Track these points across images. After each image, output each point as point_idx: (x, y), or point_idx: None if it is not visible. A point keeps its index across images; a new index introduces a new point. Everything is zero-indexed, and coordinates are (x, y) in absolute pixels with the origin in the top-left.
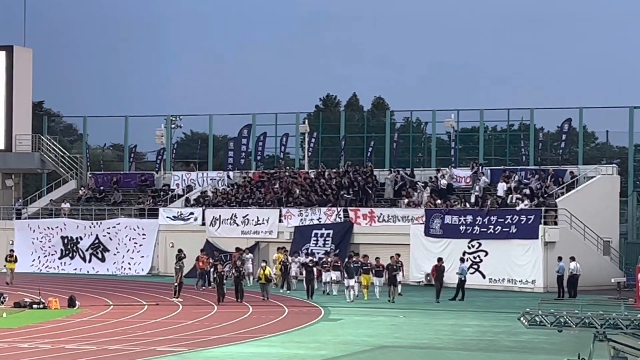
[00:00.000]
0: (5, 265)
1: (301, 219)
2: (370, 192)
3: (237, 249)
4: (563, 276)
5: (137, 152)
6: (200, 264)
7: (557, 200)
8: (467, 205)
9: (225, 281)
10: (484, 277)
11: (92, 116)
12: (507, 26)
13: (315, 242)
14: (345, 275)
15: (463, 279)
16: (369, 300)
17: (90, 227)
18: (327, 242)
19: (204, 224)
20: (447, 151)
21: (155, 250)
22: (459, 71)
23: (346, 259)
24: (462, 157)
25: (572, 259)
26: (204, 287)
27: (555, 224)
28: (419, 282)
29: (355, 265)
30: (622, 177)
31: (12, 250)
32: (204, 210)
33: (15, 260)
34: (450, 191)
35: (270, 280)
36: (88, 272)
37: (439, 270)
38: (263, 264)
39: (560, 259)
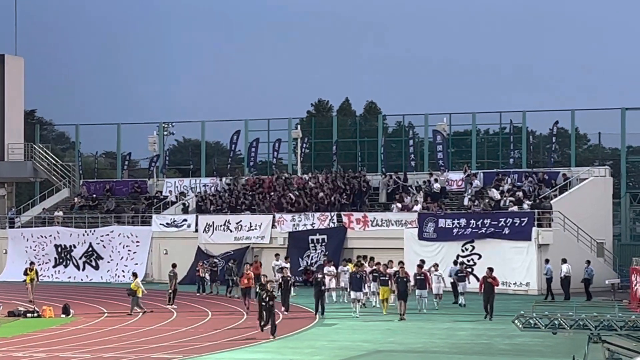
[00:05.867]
0: (24, 280)
1: (294, 225)
2: (362, 197)
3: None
4: (552, 279)
5: (130, 160)
6: (245, 280)
7: (550, 203)
8: (464, 206)
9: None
10: (478, 280)
11: (84, 124)
12: (499, 29)
13: (313, 248)
14: (349, 286)
15: (452, 281)
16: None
17: (83, 235)
18: (322, 248)
19: (197, 230)
20: (439, 155)
21: (149, 258)
22: (451, 74)
23: (346, 268)
24: (454, 161)
25: (564, 260)
26: (206, 293)
27: (550, 226)
28: (413, 286)
29: (376, 275)
30: (614, 179)
31: (32, 263)
32: (197, 217)
33: (36, 275)
34: (444, 195)
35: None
36: (82, 280)
37: (487, 282)
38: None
39: (547, 261)
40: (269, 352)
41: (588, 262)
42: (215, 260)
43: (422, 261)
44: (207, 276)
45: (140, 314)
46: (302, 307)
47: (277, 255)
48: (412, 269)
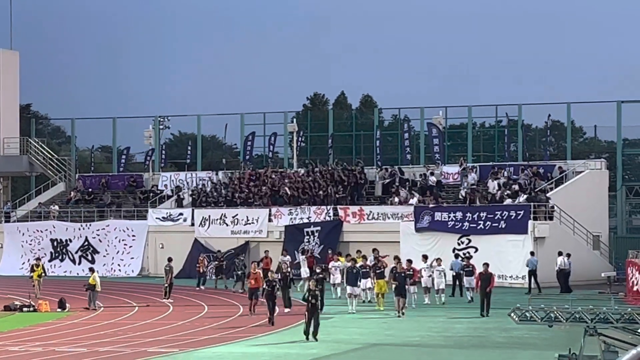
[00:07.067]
0: (31, 276)
1: (291, 218)
2: (360, 190)
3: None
4: (534, 271)
5: (128, 154)
6: (253, 281)
7: (546, 195)
8: (460, 199)
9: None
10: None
11: (80, 118)
12: (494, 23)
13: (308, 240)
14: (346, 281)
15: (454, 274)
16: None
17: (79, 229)
18: (317, 240)
19: (193, 224)
20: (435, 148)
21: (145, 252)
22: (447, 68)
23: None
24: (450, 154)
25: (560, 253)
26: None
27: (546, 219)
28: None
29: (363, 270)
30: (610, 172)
31: (38, 259)
32: (193, 211)
33: (43, 270)
34: (440, 188)
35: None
36: (78, 274)
37: (483, 278)
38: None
39: (532, 253)
40: (266, 345)
41: (568, 255)
42: (220, 255)
43: (425, 256)
44: (213, 271)
45: (100, 309)
46: (298, 300)
47: (285, 250)
48: (415, 261)
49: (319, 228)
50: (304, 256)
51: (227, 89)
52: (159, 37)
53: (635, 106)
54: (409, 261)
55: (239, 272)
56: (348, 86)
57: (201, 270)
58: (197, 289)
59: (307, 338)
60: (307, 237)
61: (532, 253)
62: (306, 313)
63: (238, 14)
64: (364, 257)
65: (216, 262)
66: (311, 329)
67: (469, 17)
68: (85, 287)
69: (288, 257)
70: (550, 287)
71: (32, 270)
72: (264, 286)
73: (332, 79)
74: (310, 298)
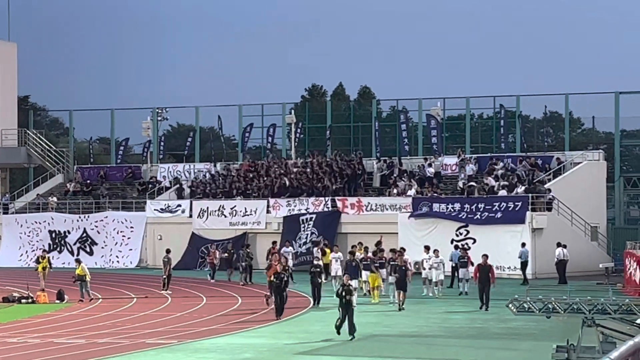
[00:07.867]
0: (36, 269)
1: (289, 210)
2: (358, 181)
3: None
4: (527, 262)
5: (127, 146)
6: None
7: (544, 186)
8: (458, 190)
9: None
10: (472, 264)
11: (78, 110)
12: (492, 14)
13: (303, 229)
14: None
15: (453, 265)
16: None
17: (77, 220)
18: (313, 229)
19: (191, 215)
20: (433, 139)
21: (143, 243)
22: (445, 59)
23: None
24: (449, 145)
25: (559, 244)
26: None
27: (544, 210)
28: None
29: (365, 262)
30: (608, 163)
31: (44, 251)
32: (191, 202)
33: (49, 262)
34: (438, 179)
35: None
36: (76, 266)
37: (482, 270)
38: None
39: (523, 245)
40: (264, 336)
41: (564, 245)
42: (230, 246)
43: (427, 247)
44: (221, 263)
45: (93, 300)
46: (296, 292)
47: (287, 242)
48: (413, 251)
49: (313, 216)
50: (317, 248)
51: (225, 81)
52: (157, 29)
53: (633, 97)
54: (397, 251)
55: (244, 264)
56: (346, 77)
57: (214, 262)
58: (212, 281)
59: (339, 332)
60: (303, 225)
61: (523, 244)
62: (340, 309)
63: (236, 6)
64: (365, 249)
65: (226, 254)
66: (345, 327)
67: (467, 8)
68: (74, 279)
69: (291, 248)
70: (548, 278)
71: (38, 261)
72: (273, 279)
73: (330, 70)
74: (344, 293)
